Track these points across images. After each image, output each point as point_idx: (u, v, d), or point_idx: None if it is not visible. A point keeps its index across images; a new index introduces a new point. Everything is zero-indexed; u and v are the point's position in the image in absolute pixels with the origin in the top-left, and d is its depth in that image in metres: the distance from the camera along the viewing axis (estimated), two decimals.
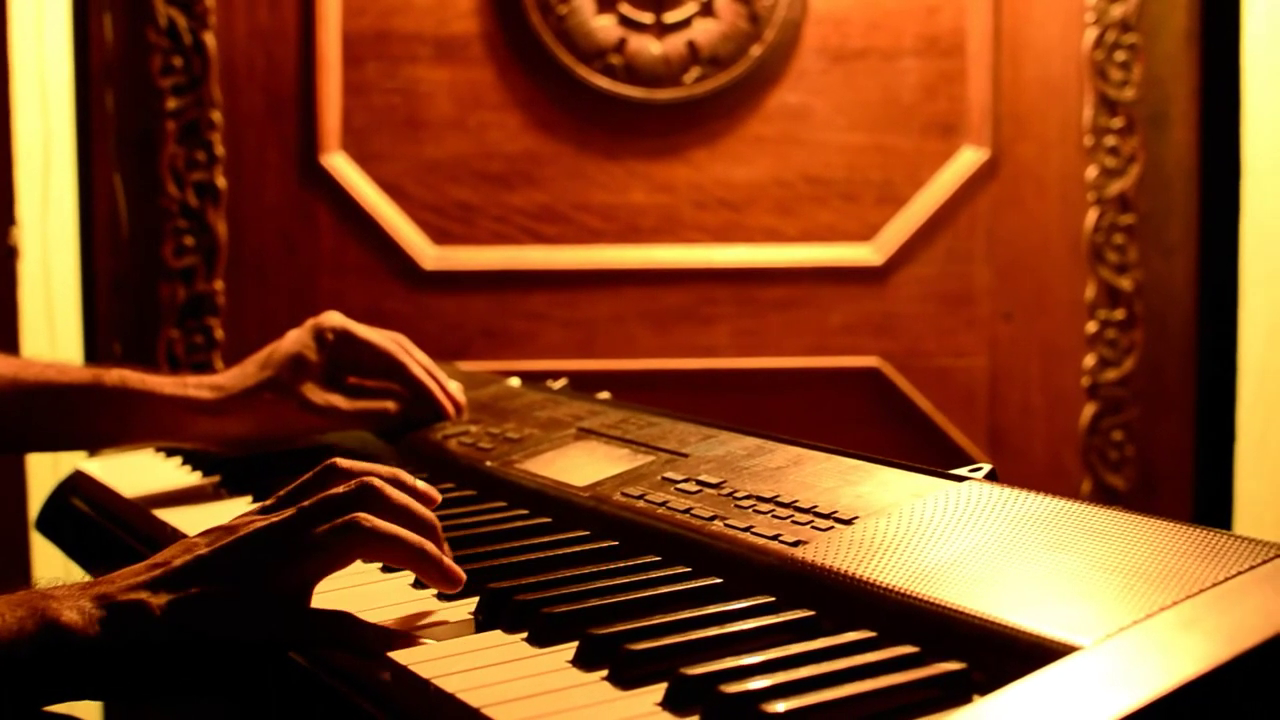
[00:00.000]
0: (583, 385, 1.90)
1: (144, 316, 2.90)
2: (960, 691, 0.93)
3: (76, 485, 1.79)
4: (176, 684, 1.11)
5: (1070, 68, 2.99)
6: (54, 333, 2.83)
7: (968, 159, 2.99)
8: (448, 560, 1.15)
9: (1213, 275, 3.03)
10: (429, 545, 1.14)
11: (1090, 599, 0.97)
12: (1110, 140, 2.98)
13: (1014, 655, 0.92)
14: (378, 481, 1.15)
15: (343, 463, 1.19)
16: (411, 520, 1.15)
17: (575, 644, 1.03)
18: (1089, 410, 3.01)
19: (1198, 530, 1.06)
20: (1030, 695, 0.85)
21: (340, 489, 1.14)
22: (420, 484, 1.20)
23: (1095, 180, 2.99)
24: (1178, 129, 3.01)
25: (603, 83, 2.94)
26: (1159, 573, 0.99)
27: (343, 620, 1.11)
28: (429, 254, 2.95)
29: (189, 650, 1.09)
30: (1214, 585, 0.96)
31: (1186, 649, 0.88)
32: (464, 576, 1.15)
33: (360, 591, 1.21)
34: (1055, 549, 1.06)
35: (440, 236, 2.95)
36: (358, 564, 1.20)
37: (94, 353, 2.87)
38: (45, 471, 2.72)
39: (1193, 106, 3.00)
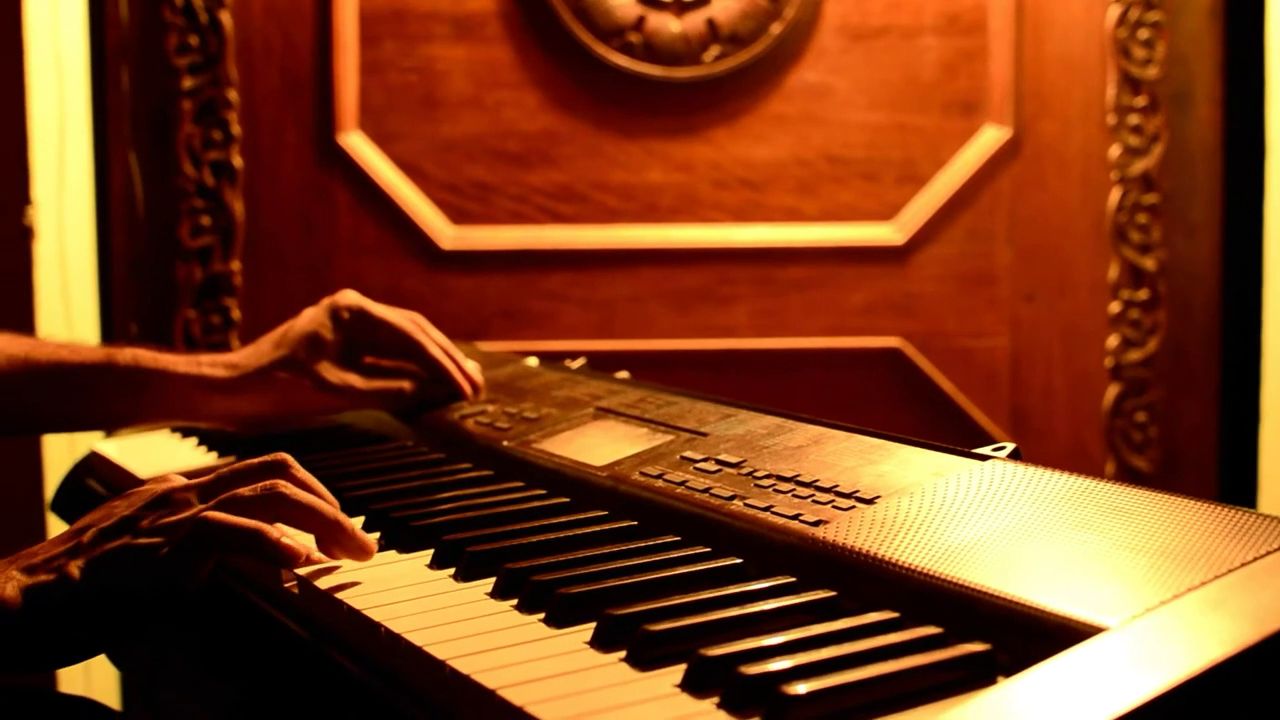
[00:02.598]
0: (601, 366, 1.89)
1: (160, 297, 2.90)
2: (985, 673, 0.92)
3: (92, 466, 1.78)
4: (103, 642, 1.18)
5: (1093, 45, 2.97)
6: (70, 314, 2.83)
7: (989, 138, 2.97)
8: (359, 532, 1.21)
9: (1237, 255, 3.01)
10: (343, 517, 1.20)
11: (1116, 579, 0.96)
12: (1133, 119, 2.96)
13: (1039, 636, 0.91)
14: (285, 456, 1.23)
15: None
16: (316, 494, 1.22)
17: (593, 625, 1.02)
18: (1112, 391, 2.99)
19: (1225, 509, 1.04)
20: (1056, 677, 0.84)
21: (254, 460, 1.22)
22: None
23: (1118, 159, 2.97)
24: (1202, 107, 2.99)
25: (621, 61, 2.92)
26: (1186, 553, 0.98)
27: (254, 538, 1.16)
28: (447, 234, 2.94)
29: (112, 609, 1.14)
30: (1242, 565, 0.95)
31: (1214, 630, 0.87)
32: (374, 547, 1.22)
33: (375, 572, 1.20)
34: (1080, 528, 1.04)
35: (458, 216, 2.94)
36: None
37: (110, 334, 2.87)
38: (61, 453, 2.72)
39: (1217, 84, 2.98)
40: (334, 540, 1.21)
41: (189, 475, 1.22)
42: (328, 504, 1.21)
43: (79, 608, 1.14)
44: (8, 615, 1.12)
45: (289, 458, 1.23)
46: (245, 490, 1.18)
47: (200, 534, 1.15)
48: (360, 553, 1.21)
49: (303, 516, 1.19)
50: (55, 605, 1.14)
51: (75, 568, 1.14)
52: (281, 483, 1.19)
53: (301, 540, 1.19)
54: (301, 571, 1.19)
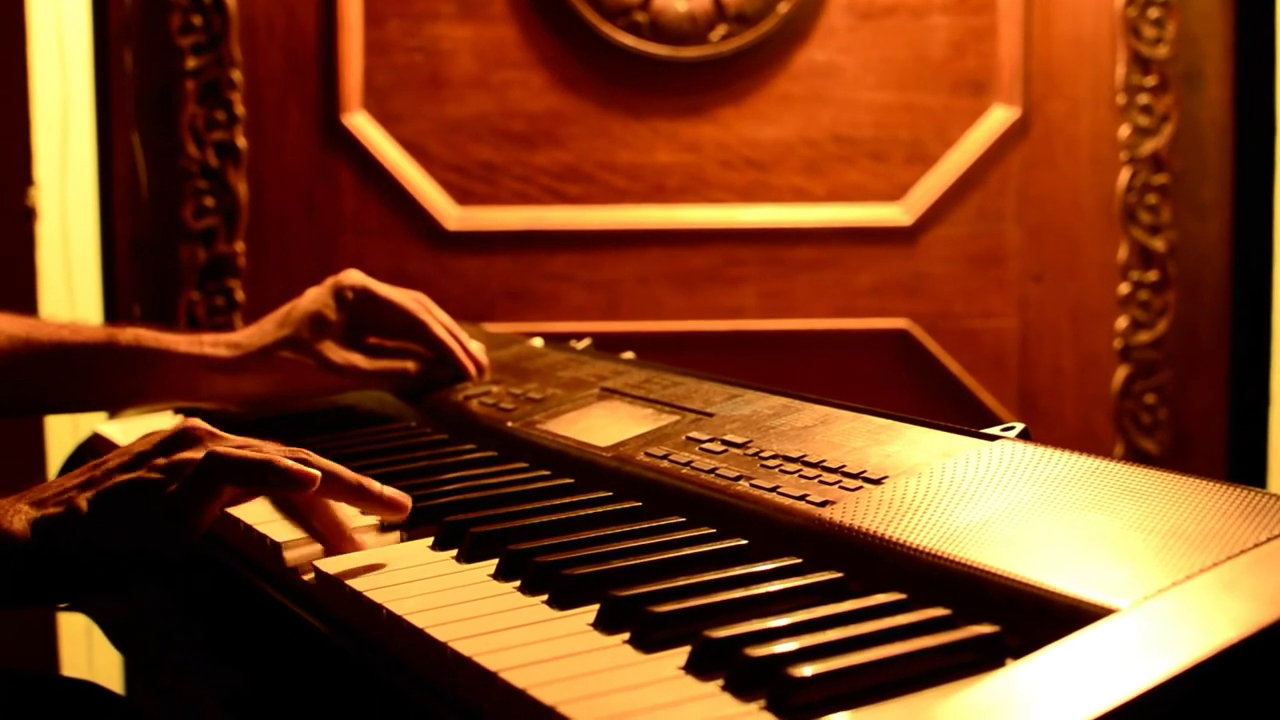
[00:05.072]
0: (607, 347, 1.88)
1: (164, 278, 2.89)
2: (994, 655, 0.91)
3: (94, 448, 1.78)
4: (111, 577, 1.19)
5: (1102, 24, 2.95)
6: (73, 295, 2.82)
7: (998, 117, 2.96)
8: (388, 490, 1.22)
9: (1247, 236, 2.99)
10: (366, 479, 1.21)
11: (1127, 560, 0.95)
12: (1143, 98, 2.95)
13: (1049, 618, 0.90)
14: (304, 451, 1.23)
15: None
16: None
17: (597, 606, 1.01)
18: (1121, 373, 2.98)
19: (1236, 490, 1.04)
20: (1066, 659, 0.83)
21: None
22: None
23: (1128, 139, 2.95)
24: (1212, 87, 2.97)
25: (627, 40, 2.91)
26: (1197, 533, 0.97)
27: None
28: (452, 214, 2.93)
29: (118, 542, 1.15)
30: (1255, 546, 0.94)
31: (1226, 612, 0.86)
32: (407, 500, 1.23)
33: (377, 554, 1.19)
34: (1090, 509, 1.03)
35: (463, 197, 2.93)
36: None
37: (113, 315, 2.86)
38: (65, 434, 2.71)
39: (1227, 64, 2.96)
40: (363, 504, 1.22)
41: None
42: (349, 472, 1.22)
43: (85, 540, 1.14)
44: (15, 547, 1.13)
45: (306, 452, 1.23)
46: (268, 446, 1.20)
47: (211, 467, 1.15)
48: (393, 510, 1.22)
49: (328, 484, 1.19)
50: (62, 537, 1.14)
51: (84, 500, 1.15)
52: (306, 450, 1.20)
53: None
54: (303, 554, 1.18)
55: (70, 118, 2.83)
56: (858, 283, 2.97)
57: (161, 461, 1.17)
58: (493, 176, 2.93)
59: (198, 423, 1.22)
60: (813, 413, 1.34)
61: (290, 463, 1.16)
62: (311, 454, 1.20)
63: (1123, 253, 2.97)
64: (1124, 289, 2.98)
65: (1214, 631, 0.83)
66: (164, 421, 1.82)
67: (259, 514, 1.26)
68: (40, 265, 2.80)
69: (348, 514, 1.24)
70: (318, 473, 1.17)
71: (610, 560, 1.10)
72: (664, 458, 1.31)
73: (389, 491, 1.22)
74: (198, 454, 1.16)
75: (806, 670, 0.85)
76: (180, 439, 1.19)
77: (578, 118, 2.94)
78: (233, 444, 1.19)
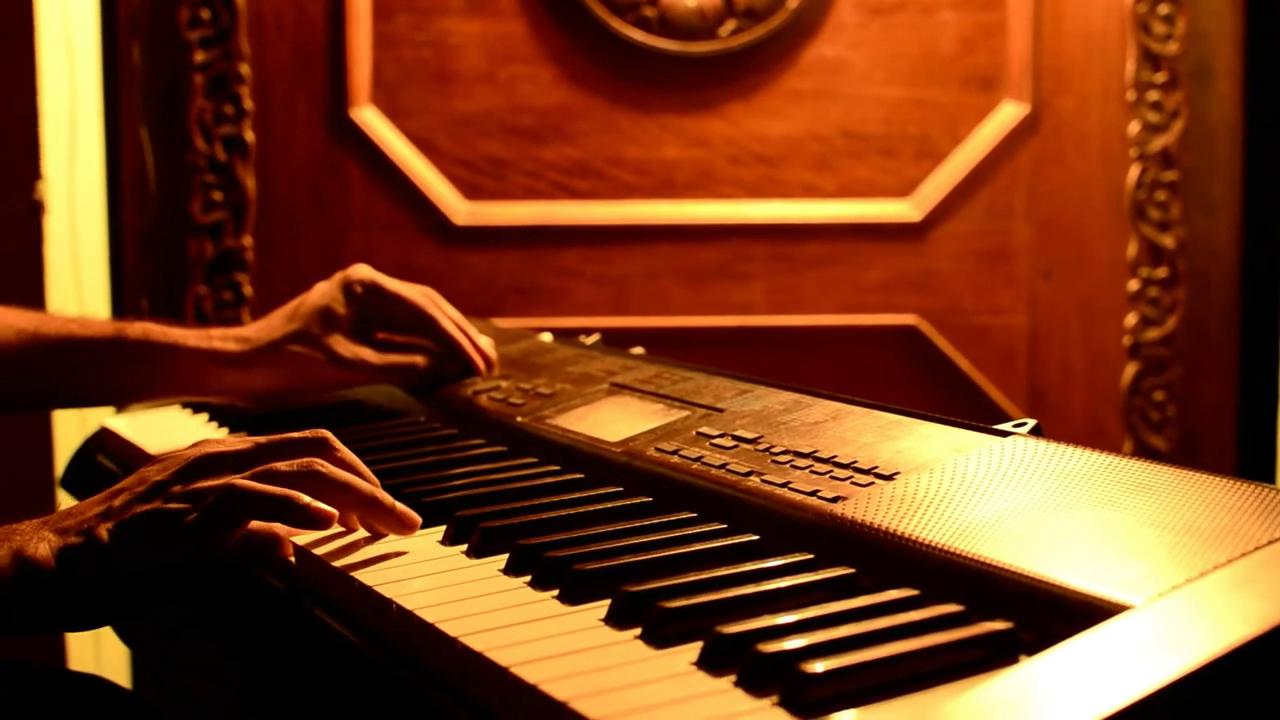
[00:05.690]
0: (615, 343, 1.87)
1: (172, 273, 2.89)
2: (1007, 652, 0.91)
3: (103, 442, 1.78)
4: (132, 605, 1.19)
5: (1112, 21, 2.95)
6: (81, 289, 2.82)
7: (1008, 114, 2.95)
8: (399, 505, 1.21)
9: (1257, 232, 2.99)
10: (381, 494, 1.21)
11: (1140, 557, 0.94)
12: (1153, 95, 2.94)
13: (1062, 615, 0.90)
14: (327, 433, 1.23)
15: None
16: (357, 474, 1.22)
17: (607, 602, 1.01)
18: (1130, 370, 2.98)
19: (1250, 486, 1.03)
20: (1079, 656, 0.82)
21: (295, 435, 1.22)
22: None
23: (1137, 136, 2.95)
24: (1222, 83, 2.96)
25: (636, 35, 2.90)
26: (1211, 530, 0.97)
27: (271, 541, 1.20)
28: (460, 209, 2.92)
29: (138, 572, 1.15)
30: (1269, 543, 0.94)
31: (1240, 609, 0.86)
32: (418, 519, 1.22)
33: (387, 549, 1.19)
34: (1103, 505, 1.03)
35: (471, 191, 2.93)
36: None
37: (121, 309, 2.86)
38: (72, 429, 2.71)
39: (1237, 60, 2.96)
40: (374, 518, 1.21)
41: (228, 445, 1.22)
42: (365, 481, 1.21)
43: (107, 570, 1.15)
44: (40, 575, 1.14)
45: (330, 435, 1.23)
46: (282, 465, 1.19)
47: (229, 500, 1.15)
48: (401, 527, 1.21)
49: (339, 495, 1.19)
50: (84, 567, 1.14)
51: (104, 530, 1.15)
52: (319, 461, 1.19)
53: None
54: (315, 550, 1.18)
55: (78, 112, 2.82)
56: (867, 279, 2.97)
57: (179, 489, 1.17)
58: (501, 171, 2.93)
59: (211, 447, 1.21)
60: (824, 408, 1.34)
61: (309, 501, 1.16)
62: (325, 465, 1.19)
63: (1132, 249, 2.97)
64: (1133, 286, 2.97)
65: (1227, 629, 0.83)
66: (172, 416, 1.82)
67: None
68: (48, 259, 2.80)
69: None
70: (335, 512, 1.18)
71: (621, 555, 1.09)
72: (674, 453, 1.30)
73: (400, 507, 1.21)
74: (215, 482, 1.16)
75: (818, 666, 0.85)
76: (198, 467, 1.19)
77: (586, 113, 2.93)
78: (249, 469, 1.19)
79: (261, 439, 1.22)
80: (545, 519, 1.21)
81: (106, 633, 2.36)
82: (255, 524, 1.19)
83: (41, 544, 1.15)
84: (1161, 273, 2.97)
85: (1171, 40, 2.93)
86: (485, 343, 1.74)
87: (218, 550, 1.17)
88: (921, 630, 0.91)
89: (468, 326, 1.74)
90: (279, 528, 1.20)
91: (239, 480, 1.16)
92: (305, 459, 1.19)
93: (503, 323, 2.21)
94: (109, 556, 1.15)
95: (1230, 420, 3.02)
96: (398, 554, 1.17)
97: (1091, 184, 2.98)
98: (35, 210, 2.78)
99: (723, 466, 1.24)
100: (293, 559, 1.20)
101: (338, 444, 1.23)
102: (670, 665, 0.91)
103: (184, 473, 1.18)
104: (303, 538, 1.20)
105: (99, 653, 2.82)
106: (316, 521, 1.17)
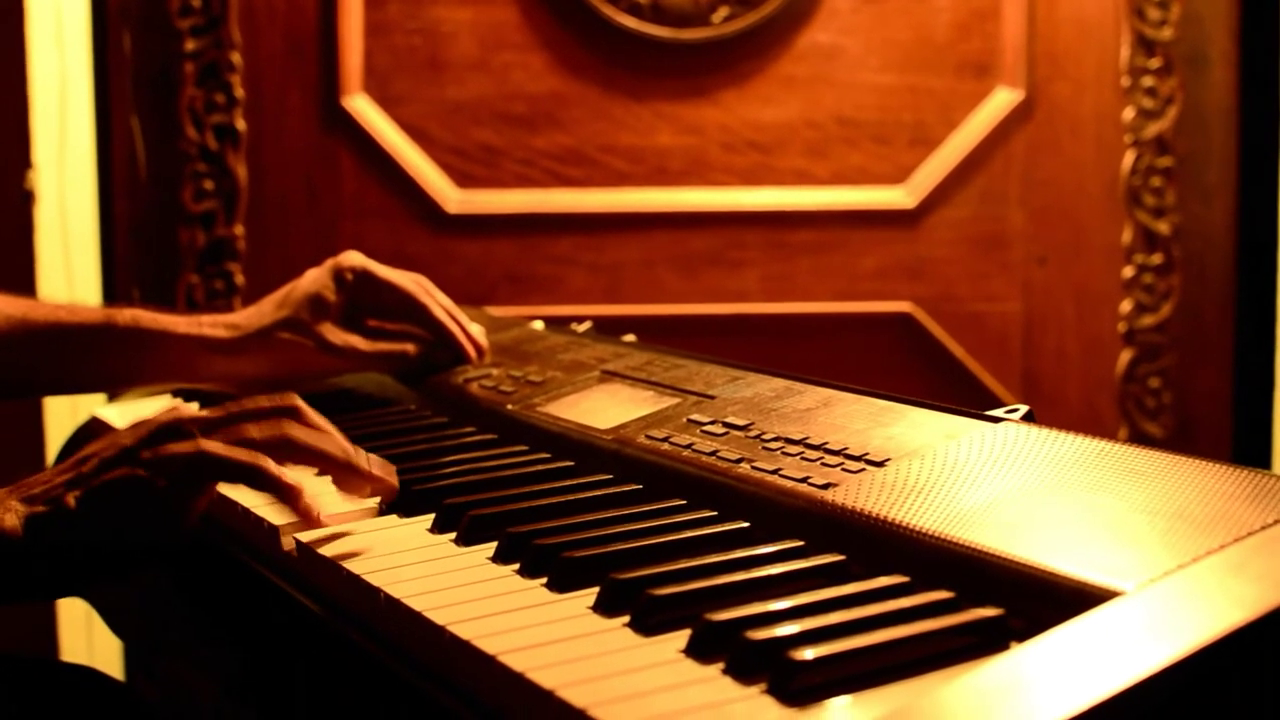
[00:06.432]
0: (609, 331, 1.87)
1: (163, 262, 2.88)
2: (997, 638, 0.90)
3: (93, 431, 1.77)
4: (103, 573, 1.18)
5: (1107, 6, 2.94)
6: (71, 278, 2.82)
7: (1002, 100, 2.95)
8: (374, 469, 1.23)
9: (1252, 219, 2.99)
10: (355, 456, 1.21)
11: (1132, 543, 0.94)
12: (1148, 81, 2.94)
13: (1053, 601, 0.90)
14: (296, 398, 1.23)
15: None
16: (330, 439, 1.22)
17: (597, 589, 1.01)
18: (1125, 356, 2.97)
19: (1243, 472, 1.03)
20: (1070, 643, 0.82)
21: (265, 402, 1.21)
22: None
23: (1132, 122, 2.94)
24: (1217, 69, 2.96)
25: (629, 22, 2.90)
26: (1203, 516, 0.96)
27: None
28: (452, 197, 2.92)
29: (108, 539, 1.15)
30: (1262, 529, 0.93)
31: (1233, 595, 0.85)
32: (394, 482, 1.23)
33: (375, 537, 1.19)
34: (1095, 491, 1.02)
35: (463, 179, 2.92)
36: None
37: (112, 299, 2.86)
38: (64, 417, 2.71)
39: (1232, 46, 2.95)
40: (348, 482, 1.21)
41: (199, 412, 1.21)
42: (337, 445, 1.21)
43: (76, 538, 1.14)
44: (9, 545, 1.12)
45: (299, 400, 1.22)
46: (253, 430, 1.18)
47: (198, 465, 1.14)
48: (379, 484, 1.22)
49: (312, 460, 1.19)
50: (52, 534, 1.13)
51: (73, 498, 1.14)
52: (289, 423, 1.19)
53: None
54: (302, 537, 1.17)
55: (69, 100, 2.82)
56: (861, 266, 2.96)
57: (148, 455, 1.15)
58: (493, 159, 2.92)
59: (182, 412, 1.20)
60: (815, 395, 1.34)
61: (278, 471, 1.16)
62: (297, 428, 1.19)
63: (1127, 236, 2.96)
64: (1128, 272, 2.97)
65: (1220, 614, 0.83)
66: (163, 403, 1.81)
67: (255, 496, 1.25)
68: (39, 248, 2.79)
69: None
70: (301, 487, 1.17)
71: (610, 543, 1.09)
72: (665, 440, 1.30)
73: (376, 471, 1.22)
74: (185, 447, 1.15)
75: (808, 653, 0.84)
76: (166, 431, 1.17)
77: (579, 100, 2.93)
78: (220, 434, 1.18)
79: (233, 406, 1.20)
80: (534, 507, 1.20)
81: (99, 625, 2.35)
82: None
83: (9, 514, 1.13)
84: (1157, 259, 2.96)
85: (1166, 26, 2.92)
86: (476, 330, 1.74)
87: (188, 516, 1.16)
88: (912, 617, 0.91)
89: (459, 314, 1.73)
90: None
91: (208, 444, 1.15)
92: (276, 425, 1.19)
93: (495, 311, 2.20)
94: (77, 523, 1.13)
95: (1226, 406, 3.02)
96: (386, 542, 1.16)
97: (1086, 170, 2.97)
98: (26, 199, 2.77)
99: (713, 453, 1.24)
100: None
101: (308, 409, 1.22)
102: (658, 653, 0.91)
103: (153, 437, 1.16)
104: (291, 534, 1.19)
105: (92, 645, 2.82)
106: (282, 493, 1.16)
